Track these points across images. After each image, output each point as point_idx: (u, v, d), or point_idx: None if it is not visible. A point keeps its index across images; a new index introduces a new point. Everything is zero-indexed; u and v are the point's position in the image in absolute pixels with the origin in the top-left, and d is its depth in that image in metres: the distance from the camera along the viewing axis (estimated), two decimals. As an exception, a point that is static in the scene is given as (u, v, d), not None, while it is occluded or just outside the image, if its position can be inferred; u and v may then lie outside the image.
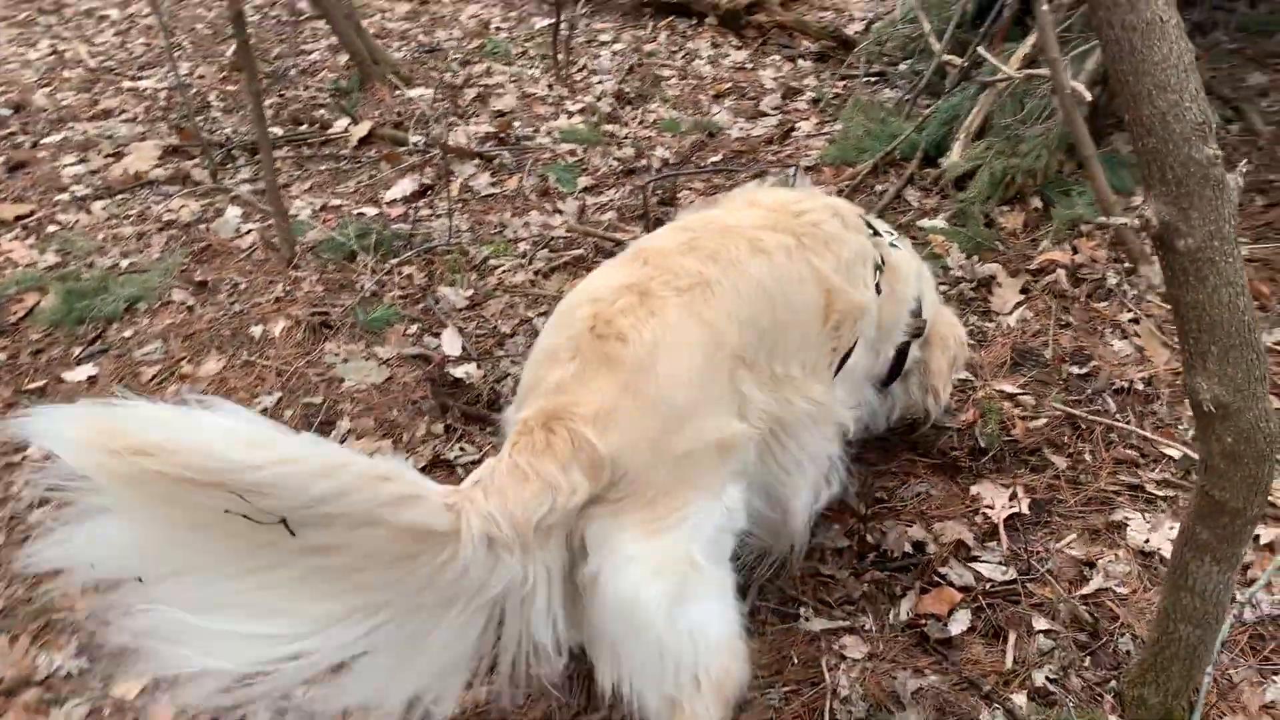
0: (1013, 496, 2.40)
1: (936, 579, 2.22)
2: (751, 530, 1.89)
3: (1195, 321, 1.29)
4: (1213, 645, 1.79)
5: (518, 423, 1.65)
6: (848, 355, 2.04)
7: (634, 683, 1.61)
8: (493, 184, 3.92)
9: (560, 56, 4.68)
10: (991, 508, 2.38)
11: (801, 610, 2.19)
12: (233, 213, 3.79)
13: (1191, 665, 1.81)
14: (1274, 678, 1.97)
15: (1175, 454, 2.46)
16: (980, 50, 3.33)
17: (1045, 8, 2.78)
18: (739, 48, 4.84)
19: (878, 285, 2.11)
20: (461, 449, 2.67)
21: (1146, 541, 2.26)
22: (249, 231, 3.67)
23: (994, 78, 3.30)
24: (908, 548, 2.30)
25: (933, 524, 2.35)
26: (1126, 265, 3.05)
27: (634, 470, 1.59)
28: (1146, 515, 2.32)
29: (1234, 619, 2.07)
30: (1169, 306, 2.88)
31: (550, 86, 4.62)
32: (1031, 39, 3.35)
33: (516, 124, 4.31)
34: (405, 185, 3.90)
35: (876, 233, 2.22)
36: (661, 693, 1.63)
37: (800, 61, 4.63)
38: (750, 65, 4.66)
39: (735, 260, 1.82)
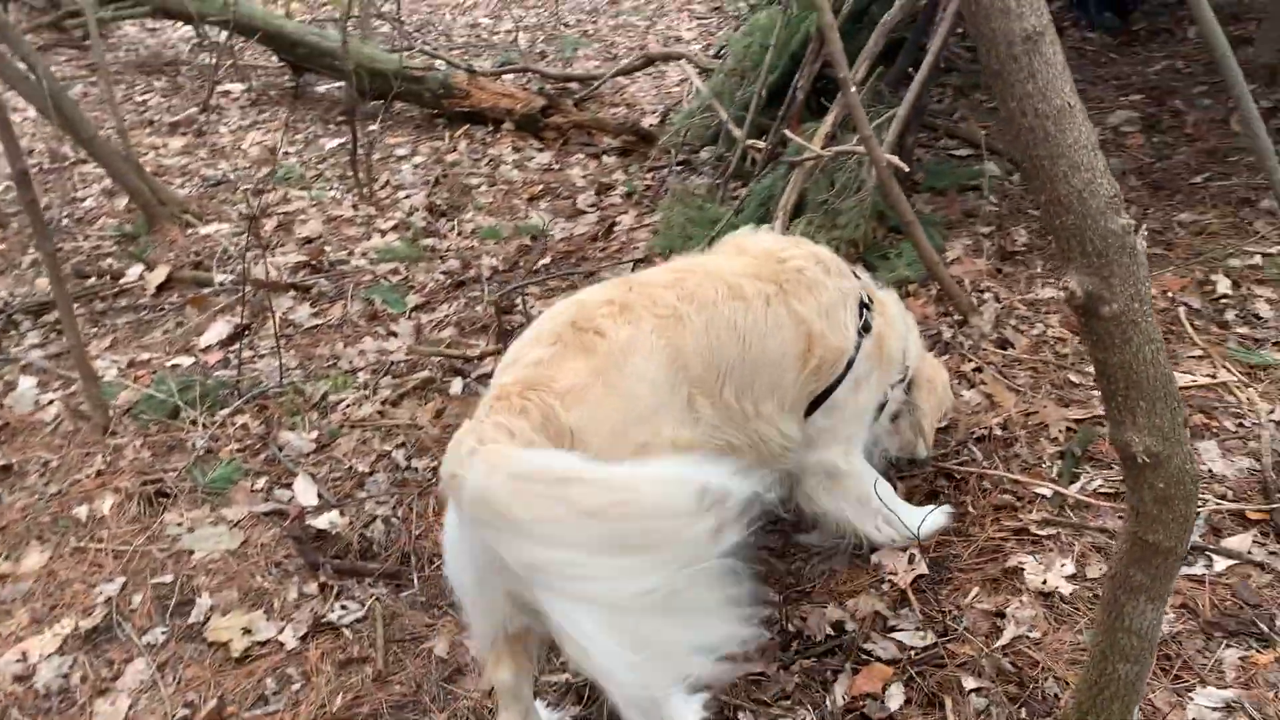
0: (911, 560, 2.44)
1: (864, 657, 2.22)
2: None
3: (1122, 380, 1.35)
4: (1145, 678, 1.86)
5: (496, 387, 1.84)
6: (828, 392, 2.18)
7: None
8: (315, 314, 3.74)
9: (361, 175, 4.56)
10: (895, 574, 2.41)
11: (740, 715, 2.13)
12: (27, 384, 3.43)
13: (1128, 701, 1.87)
14: (1189, 695, 2.07)
15: (1046, 492, 2.58)
16: (786, 133, 3.51)
17: (853, 90, 2.94)
18: (541, 150, 4.88)
19: (866, 324, 2.23)
20: (344, 607, 2.48)
21: (1044, 583, 2.34)
22: (50, 402, 3.33)
23: (802, 157, 3.45)
24: (829, 630, 2.30)
25: (845, 600, 2.36)
26: (956, 319, 3.22)
27: (593, 447, 1.74)
28: (1036, 557, 2.40)
29: (1141, 644, 2.17)
30: (1004, 352, 3.08)
31: (355, 206, 4.49)
32: (830, 117, 3.52)
33: (328, 248, 4.15)
34: (219, 329, 3.66)
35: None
36: None
37: (605, 158, 4.71)
38: (557, 166, 4.70)
39: (711, 302, 1.98)
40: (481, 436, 1.67)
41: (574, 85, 5.42)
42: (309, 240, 4.23)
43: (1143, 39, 5.19)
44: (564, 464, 1.62)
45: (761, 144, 3.86)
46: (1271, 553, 2.36)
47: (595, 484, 1.54)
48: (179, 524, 2.74)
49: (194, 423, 3.11)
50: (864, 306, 2.23)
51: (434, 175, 4.71)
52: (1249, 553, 2.35)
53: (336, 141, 5.24)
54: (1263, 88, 4.32)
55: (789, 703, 2.16)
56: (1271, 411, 2.73)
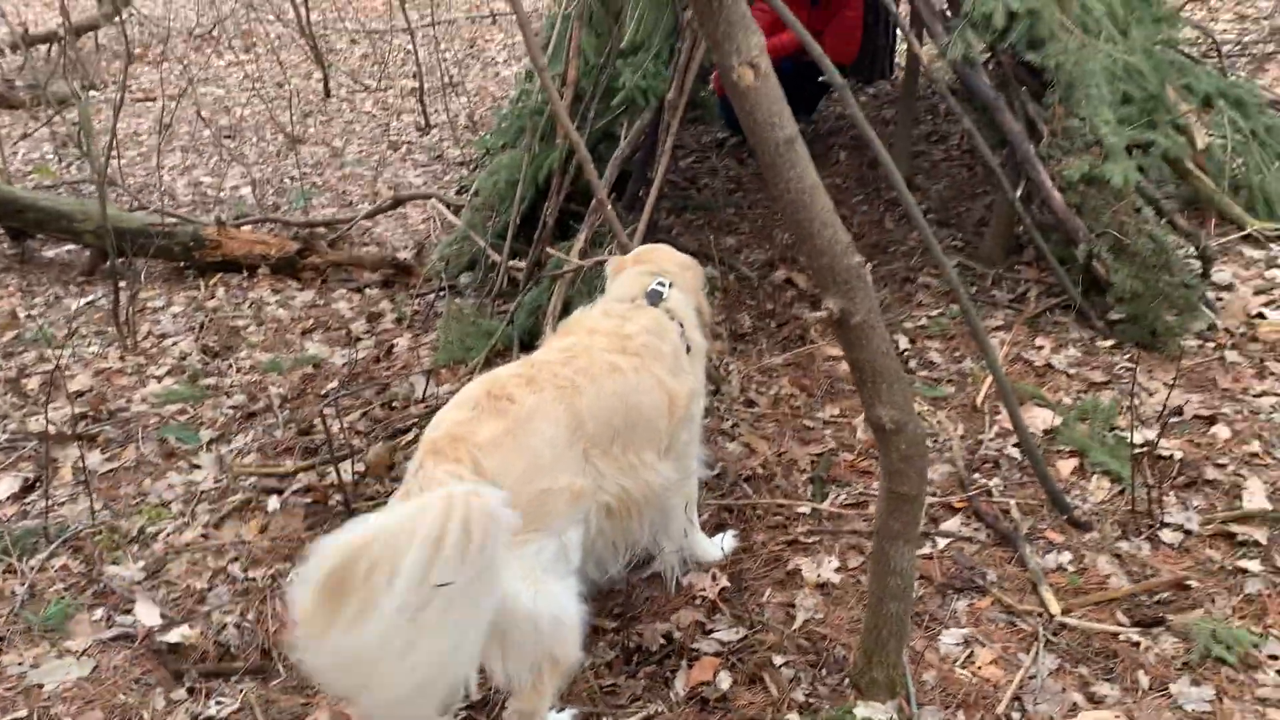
0: (714, 578, 2.95)
1: (694, 654, 2.69)
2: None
3: (869, 371, 1.94)
4: (909, 614, 2.45)
5: (427, 442, 2.22)
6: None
7: (509, 660, 2.20)
8: (108, 459, 3.79)
9: (124, 328, 4.64)
10: (704, 589, 2.91)
11: (603, 718, 2.52)
12: None
13: (900, 638, 2.45)
14: (938, 638, 2.69)
15: (806, 510, 3.20)
16: (549, 250, 4.06)
17: (609, 207, 3.54)
18: (302, 289, 5.15)
19: (688, 346, 2.76)
20: (218, 703, 2.62)
21: (819, 577, 2.93)
22: None
23: (563, 269, 4.00)
24: (661, 640, 2.74)
25: (669, 616, 2.82)
26: (710, 388, 3.85)
27: (506, 489, 2.06)
28: (809, 559, 2.99)
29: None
30: (751, 409, 3.72)
31: (122, 358, 4.55)
32: (582, 235, 4.12)
33: (106, 398, 4.20)
34: (7, 484, 3.63)
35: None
36: (529, 665, 2.22)
37: (367, 291, 5.06)
38: (322, 301, 4.99)
39: (598, 375, 2.44)
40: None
41: (321, 230, 5.74)
42: (81, 393, 4.25)
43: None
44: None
45: (521, 264, 4.41)
46: (975, 529, 3.08)
47: None
48: (20, 663, 2.76)
49: (10, 570, 3.11)
50: (681, 328, 2.76)
51: (198, 321, 4.85)
52: (959, 531, 3.07)
53: (83, 300, 5.23)
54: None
55: (641, 702, 2.58)
56: (956, 428, 3.53)
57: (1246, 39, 7.86)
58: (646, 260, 2.96)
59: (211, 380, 4.32)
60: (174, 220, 5.35)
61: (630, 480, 2.51)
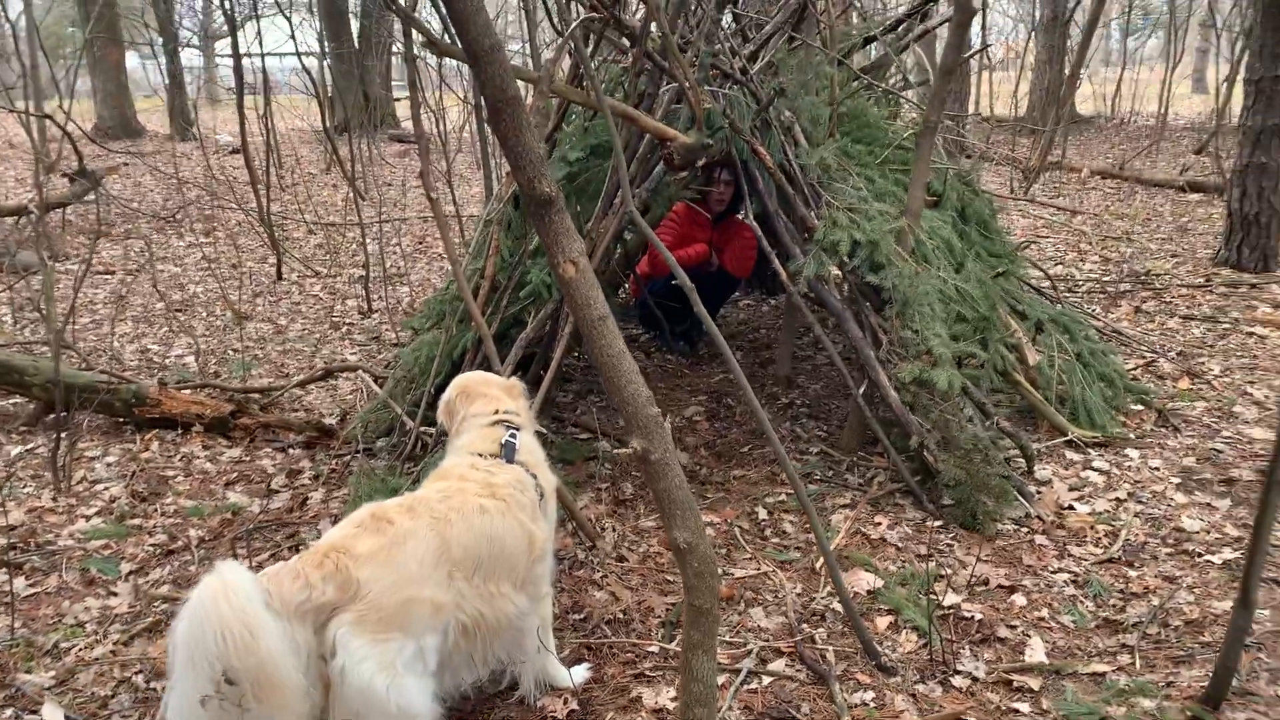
0: (565, 701, 3.37)
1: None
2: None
3: (665, 499, 2.49)
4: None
5: (310, 548, 2.64)
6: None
7: None
8: (32, 584, 4.13)
9: (60, 472, 5.03)
10: (555, 711, 3.31)
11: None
12: None
13: (709, 743, 2.88)
14: (751, 753, 3.12)
15: (655, 649, 3.64)
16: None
17: (513, 376, 4.07)
18: (231, 446, 5.60)
19: (540, 491, 3.22)
20: (108, 788, 2.93)
21: (656, 703, 3.35)
22: None
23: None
24: (512, 754, 3.13)
25: (522, 733, 3.22)
26: (587, 544, 4.33)
27: (374, 595, 2.55)
28: (650, 688, 3.42)
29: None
30: (622, 564, 4.20)
31: (55, 499, 4.93)
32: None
33: (36, 532, 4.56)
34: (-67, 600, 3.95)
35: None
36: None
37: (291, 450, 5.53)
38: (248, 458, 5.44)
39: (468, 513, 2.91)
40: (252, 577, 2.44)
41: (255, 395, 6.24)
42: (13, 527, 4.61)
43: (705, 359, 6.98)
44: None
45: (432, 430, 4.94)
46: (797, 670, 3.54)
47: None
48: (-71, 751, 3.06)
49: (-72, 673, 3.42)
50: (535, 479, 3.25)
51: (130, 470, 5.26)
52: (783, 671, 3.53)
53: (23, 448, 5.62)
54: (783, 390, 6.13)
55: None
56: (795, 587, 4.04)
57: (1105, 279, 8.94)
58: (480, 394, 3.48)
59: (137, 521, 4.70)
60: (119, 380, 5.82)
61: (488, 607, 2.95)
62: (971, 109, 18.74)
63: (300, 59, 13.43)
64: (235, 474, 5.25)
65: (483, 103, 2.13)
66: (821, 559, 4.21)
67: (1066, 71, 16.55)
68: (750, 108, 4.89)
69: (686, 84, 4.30)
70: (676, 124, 4.82)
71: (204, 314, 8.98)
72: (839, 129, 5.43)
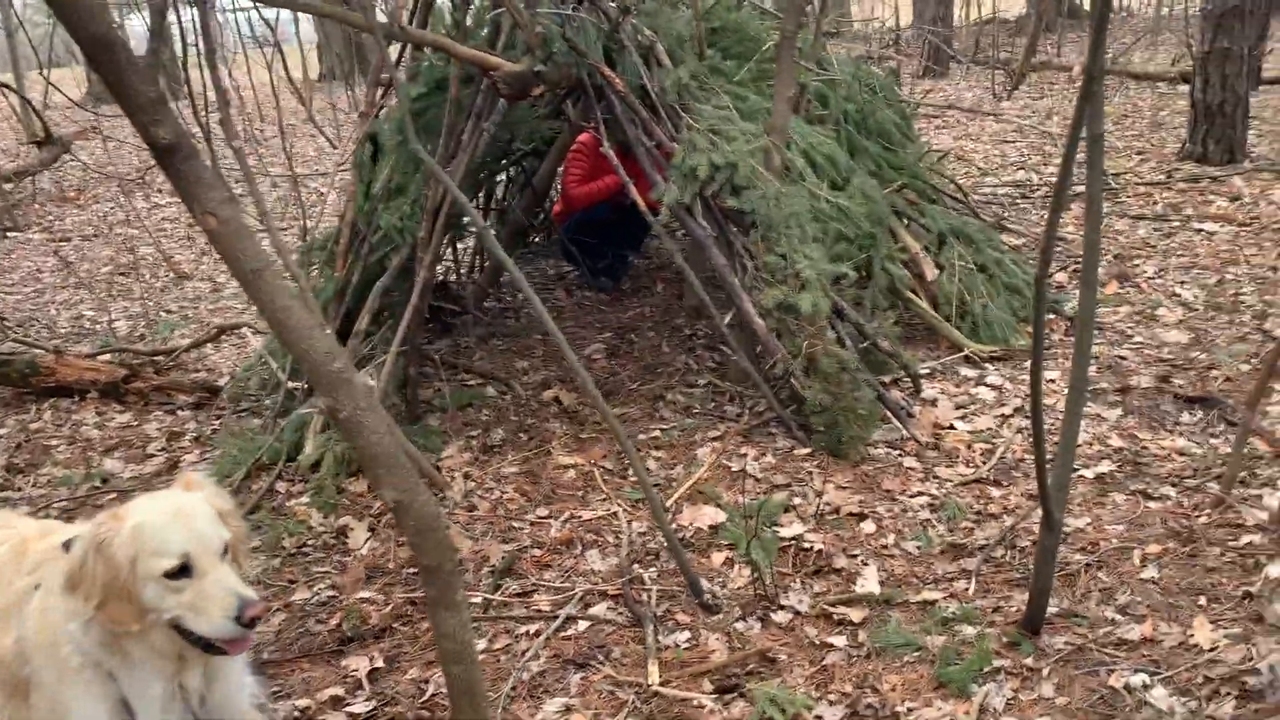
0: (371, 659, 3.30)
1: (323, 726, 3.02)
2: None
3: (367, 456, 2.35)
4: (478, 677, 2.78)
5: None
6: None
7: None
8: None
9: (-58, 447, 5.02)
10: (356, 670, 3.25)
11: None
12: None
13: (473, 700, 2.78)
14: (541, 704, 3.03)
15: (477, 599, 3.55)
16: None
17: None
18: (122, 411, 5.56)
19: None
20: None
21: (463, 656, 3.27)
22: None
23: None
24: (296, 714, 3.07)
25: (315, 693, 3.15)
26: (439, 494, 4.24)
27: None
28: (462, 641, 3.33)
29: (516, 679, 3.13)
30: (471, 513, 4.10)
31: (-65, 473, 4.92)
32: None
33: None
34: None
35: None
36: None
37: (180, 412, 5.48)
38: (136, 423, 5.39)
39: None
40: None
41: (160, 359, 6.19)
42: (-117, 506, 4.61)
43: (627, 294, 6.81)
44: None
45: (303, 385, 4.85)
46: (620, 613, 3.43)
47: None
48: None
49: None
50: None
51: (16, 442, 5.24)
52: (603, 615, 3.42)
53: (-79, 423, 5.63)
54: (688, 321, 5.97)
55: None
56: (640, 527, 3.92)
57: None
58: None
59: (7, 494, 4.68)
60: (12, 349, 5.79)
61: None
62: (958, 11, 18.11)
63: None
64: (117, 440, 5.20)
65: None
66: (674, 496, 4.08)
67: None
68: (601, 30, 4.65)
69: (505, 6, 4.07)
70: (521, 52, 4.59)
71: (148, 276, 8.94)
72: (712, 45, 5.17)
